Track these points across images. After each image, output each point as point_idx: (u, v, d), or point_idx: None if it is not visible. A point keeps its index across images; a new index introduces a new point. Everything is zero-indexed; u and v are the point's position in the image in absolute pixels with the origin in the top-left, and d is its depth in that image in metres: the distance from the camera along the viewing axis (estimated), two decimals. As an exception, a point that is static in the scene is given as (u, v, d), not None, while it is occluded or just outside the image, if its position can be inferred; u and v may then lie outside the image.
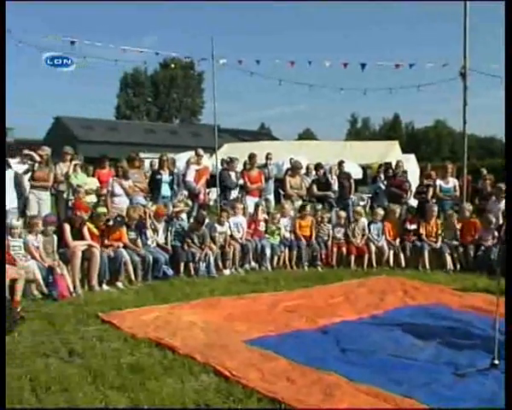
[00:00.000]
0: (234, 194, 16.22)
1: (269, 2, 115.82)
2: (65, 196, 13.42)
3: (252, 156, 16.48)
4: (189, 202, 14.79)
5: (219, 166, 17.80)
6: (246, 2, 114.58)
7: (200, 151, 16.51)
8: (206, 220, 13.30)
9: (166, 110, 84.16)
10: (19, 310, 8.72)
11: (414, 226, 14.14)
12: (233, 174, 16.49)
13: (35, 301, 9.70)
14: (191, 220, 13.65)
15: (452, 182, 15.87)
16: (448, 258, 13.43)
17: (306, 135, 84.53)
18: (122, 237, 11.72)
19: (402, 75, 70.23)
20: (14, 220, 10.56)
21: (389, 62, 20.93)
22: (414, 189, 16.78)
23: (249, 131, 69.25)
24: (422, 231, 13.96)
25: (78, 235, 11.00)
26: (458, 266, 13.39)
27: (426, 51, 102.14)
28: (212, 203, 17.29)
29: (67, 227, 10.95)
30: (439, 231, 13.95)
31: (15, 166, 14.04)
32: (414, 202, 16.61)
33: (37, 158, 13.45)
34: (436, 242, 13.76)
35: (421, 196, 15.95)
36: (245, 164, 17.74)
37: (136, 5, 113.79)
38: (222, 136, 23.89)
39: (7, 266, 9.21)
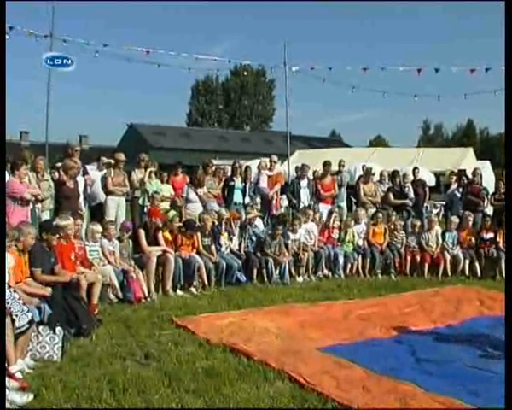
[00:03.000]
0: (305, 201, 16.14)
1: (341, 9, 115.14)
2: (140, 202, 13.61)
3: (326, 164, 16.41)
4: (258, 209, 14.79)
5: (292, 173, 17.79)
6: (318, 9, 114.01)
7: (274, 158, 16.51)
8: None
9: (237, 117, 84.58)
10: (96, 313, 8.93)
11: (490, 235, 13.87)
12: (304, 182, 16.42)
13: (111, 304, 9.91)
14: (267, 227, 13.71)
15: (532, 189, 15.41)
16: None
17: (378, 142, 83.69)
18: (196, 243, 11.85)
19: (477, 80, 68.71)
20: (93, 225, 10.79)
21: (464, 67, 20.65)
22: (489, 196, 16.41)
23: (320, 138, 68.91)
24: (499, 239, 13.66)
25: (152, 241, 11.17)
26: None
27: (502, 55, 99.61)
28: (283, 210, 17.27)
29: (143, 233, 11.13)
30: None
31: (92, 172, 14.35)
32: (490, 210, 16.27)
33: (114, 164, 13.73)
34: (514, 250, 13.41)
35: (498, 204, 15.56)
36: (315, 172, 17.69)
37: (210, 12, 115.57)
38: (293, 143, 23.91)
39: (85, 270, 9.45)
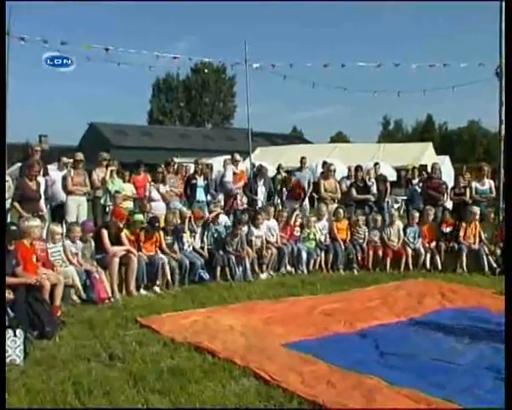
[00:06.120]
0: (261, 198, 16.29)
1: (301, 5, 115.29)
2: (102, 201, 13.51)
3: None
4: (222, 206, 14.79)
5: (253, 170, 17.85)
6: (278, 6, 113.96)
7: (237, 156, 16.56)
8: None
9: (199, 115, 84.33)
10: (59, 315, 8.84)
11: (450, 229, 14.02)
12: (261, 182, 16.54)
13: (74, 306, 9.81)
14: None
15: (488, 183, 15.65)
16: (486, 260, 13.29)
17: (338, 138, 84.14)
18: (159, 242, 11.79)
19: (436, 75, 69.34)
20: (54, 226, 10.70)
21: (423, 63, 20.86)
22: (449, 191, 16.59)
23: (281, 135, 69.07)
24: (461, 232, 13.83)
25: (114, 241, 11.08)
26: (497, 269, 13.04)
27: (461, 51, 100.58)
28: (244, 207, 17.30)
29: (105, 233, 11.03)
30: (480, 233, 13.81)
31: (52, 173, 14.22)
32: (449, 204, 16.45)
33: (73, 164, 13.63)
34: (475, 243, 13.63)
35: (457, 198, 15.75)
36: (279, 167, 17.62)
37: (170, 10, 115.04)
38: (254, 140, 23.83)
39: (47, 271, 9.34)
